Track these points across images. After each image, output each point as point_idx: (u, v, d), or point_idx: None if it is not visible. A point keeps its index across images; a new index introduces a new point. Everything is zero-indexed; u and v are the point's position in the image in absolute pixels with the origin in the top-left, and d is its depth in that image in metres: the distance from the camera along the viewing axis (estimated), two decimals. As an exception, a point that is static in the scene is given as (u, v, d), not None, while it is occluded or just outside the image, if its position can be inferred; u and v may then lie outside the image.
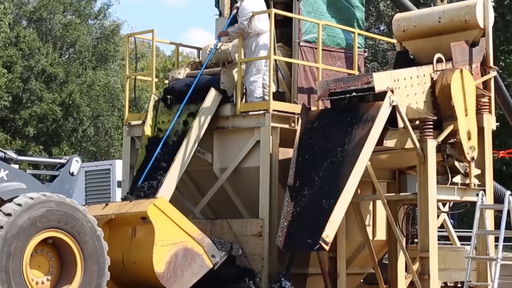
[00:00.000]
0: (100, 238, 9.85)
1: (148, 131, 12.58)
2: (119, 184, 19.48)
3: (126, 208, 10.97)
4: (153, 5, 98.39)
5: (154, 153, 12.17)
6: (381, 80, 11.16)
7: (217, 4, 13.79)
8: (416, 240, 12.62)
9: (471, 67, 12.40)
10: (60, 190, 10.12)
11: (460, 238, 14.82)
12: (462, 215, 24.46)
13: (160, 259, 10.65)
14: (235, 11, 12.54)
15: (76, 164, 10.45)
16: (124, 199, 11.93)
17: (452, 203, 13.27)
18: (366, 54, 14.87)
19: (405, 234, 12.92)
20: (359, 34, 13.48)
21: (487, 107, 12.45)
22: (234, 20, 12.63)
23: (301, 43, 12.99)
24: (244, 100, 12.64)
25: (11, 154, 10.20)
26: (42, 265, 9.60)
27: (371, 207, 12.95)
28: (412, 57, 12.88)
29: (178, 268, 10.79)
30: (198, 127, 12.10)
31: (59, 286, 9.64)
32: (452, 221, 16.03)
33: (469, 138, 11.92)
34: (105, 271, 9.87)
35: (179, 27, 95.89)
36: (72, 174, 10.43)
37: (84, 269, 9.67)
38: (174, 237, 10.80)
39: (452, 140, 11.93)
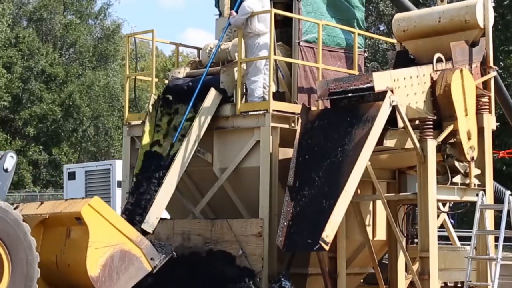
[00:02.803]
0: (26, 234, 9.45)
1: (148, 131, 12.58)
2: (119, 184, 19.48)
3: (61, 208, 10.62)
4: (149, 5, 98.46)
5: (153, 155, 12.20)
6: (381, 80, 11.16)
7: (217, 4, 13.78)
8: (416, 240, 12.62)
9: (471, 67, 12.39)
10: None
11: (460, 238, 14.82)
12: (462, 215, 24.51)
13: (94, 262, 10.26)
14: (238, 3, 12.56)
15: (10, 160, 10.12)
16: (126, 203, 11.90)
17: (452, 203, 13.27)
18: (366, 54, 14.88)
19: (405, 234, 12.91)
20: (359, 34, 13.48)
21: (487, 107, 12.45)
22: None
23: (301, 43, 12.99)
24: (244, 100, 12.64)
25: None
26: None
27: (371, 207, 12.94)
28: (412, 57, 12.88)
29: (114, 272, 10.40)
30: (198, 127, 12.10)
31: None
32: (452, 221, 16.02)
33: (469, 138, 11.92)
34: (34, 268, 9.47)
35: (175, 28, 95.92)
36: (6, 171, 10.11)
37: (12, 271, 9.31)
38: (110, 239, 10.42)
39: (452, 140, 11.93)
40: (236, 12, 12.53)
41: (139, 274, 10.65)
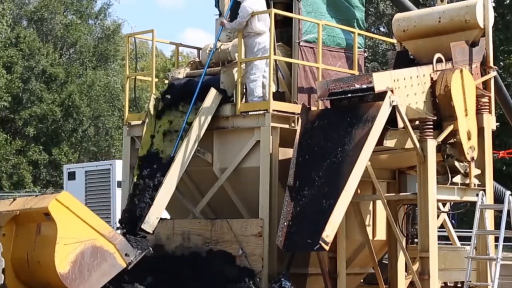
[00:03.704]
0: None
1: (148, 131, 12.58)
2: (119, 184, 19.47)
3: (31, 204, 10.41)
4: (148, 5, 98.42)
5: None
6: (381, 80, 11.16)
7: (217, 4, 13.78)
8: (416, 240, 12.62)
9: (471, 67, 12.39)
10: None
11: (460, 238, 14.82)
12: (462, 215, 24.48)
13: (63, 258, 10.01)
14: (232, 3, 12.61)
15: None
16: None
17: (452, 203, 13.27)
18: (366, 54, 14.88)
19: (405, 234, 12.91)
20: (359, 34, 13.49)
21: (487, 107, 12.45)
22: (234, 12, 12.65)
23: (301, 43, 12.99)
24: (244, 100, 12.64)
25: None
26: None
27: (371, 207, 12.94)
28: (412, 57, 12.88)
29: (85, 268, 10.17)
30: (198, 127, 12.10)
31: None
32: (452, 221, 16.02)
33: (469, 138, 11.92)
34: None
35: (174, 28, 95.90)
36: None
37: None
38: (81, 235, 10.15)
39: (452, 140, 11.93)
40: (235, 13, 12.55)
41: (113, 270, 10.43)
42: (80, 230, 10.21)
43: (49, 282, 10.25)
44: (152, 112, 12.72)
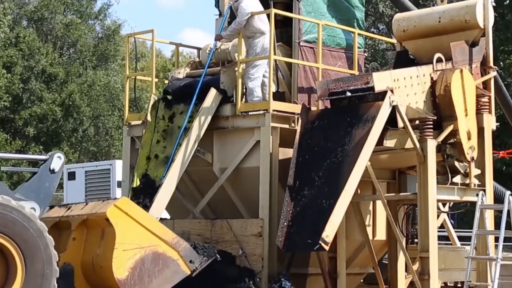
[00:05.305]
0: (48, 246, 9.12)
1: (147, 131, 12.58)
2: (119, 184, 19.48)
3: (96, 209, 10.39)
4: (148, 5, 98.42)
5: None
6: (381, 80, 11.16)
7: (217, 4, 13.78)
8: (416, 240, 12.62)
9: (471, 67, 12.40)
10: (37, 188, 9.68)
11: (460, 238, 14.82)
12: (462, 215, 24.47)
13: (121, 264, 9.94)
14: (228, 10, 12.62)
15: (57, 161, 9.90)
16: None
17: (452, 203, 13.27)
18: (366, 54, 14.88)
19: (405, 234, 12.91)
20: (359, 34, 13.49)
21: (487, 107, 12.45)
22: (231, 19, 12.68)
23: (301, 43, 13.00)
24: (244, 100, 12.64)
25: None
26: None
27: (371, 207, 12.94)
28: (412, 57, 12.88)
29: (146, 275, 10.05)
30: (198, 127, 12.10)
31: None
32: (452, 221, 16.02)
33: (469, 138, 11.92)
34: (51, 276, 9.10)
35: (173, 28, 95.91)
36: (52, 171, 9.86)
37: (25, 273, 8.97)
38: (141, 241, 10.10)
39: (452, 140, 11.93)
40: (232, 21, 12.58)
41: (176, 277, 10.29)
42: (140, 236, 10.13)
43: (111, 287, 10.16)
44: (152, 112, 12.72)
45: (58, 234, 10.73)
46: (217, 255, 10.90)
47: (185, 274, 10.39)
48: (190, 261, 10.41)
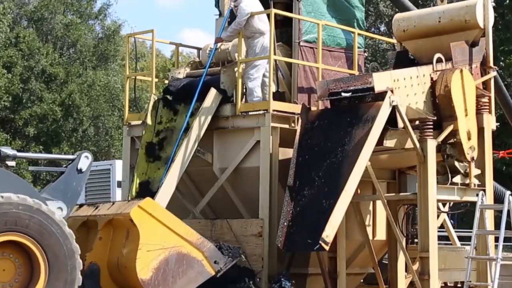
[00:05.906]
0: (70, 241, 9.12)
1: (147, 131, 12.58)
2: (119, 184, 19.48)
3: (122, 209, 10.46)
4: (147, 5, 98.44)
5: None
6: (381, 80, 11.16)
7: (217, 4, 13.79)
8: (416, 240, 12.62)
9: (471, 67, 12.39)
10: (65, 188, 9.71)
11: (460, 238, 14.82)
12: (462, 215, 24.48)
13: (145, 265, 10.01)
14: (228, 13, 12.62)
15: (85, 161, 9.89)
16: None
17: (452, 203, 13.27)
18: (366, 54, 14.88)
19: (405, 234, 12.91)
20: (359, 34, 13.49)
21: (487, 107, 12.45)
22: (231, 21, 12.69)
23: (301, 43, 13.00)
24: (244, 100, 12.64)
25: (7, 150, 9.60)
26: (6, 269, 9.01)
27: (371, 207, 12.94)
28: (412, 57, 12.88)
29: (170, 275, 10.11)
30: (198, 127, 12.10)
31: None
32: (452, 221, 16.03)
33: (469, 138, 11.92)
34: (75, 276, 9.11)
35: (172, 28, 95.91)
36: (80, 171, 9.86)
37: (49, 274, 8.97)
38: (165, 242, 10.16)
39: (452, 140, 11.93)
40: (232, 17, 12.59)
41: (200, 278, 10.32)
42: (164, 236, 10.17)
43: (135, 287, 10.19)
44: (152, 112, 12.72)
45: (87, 233, 10.85)
46: (242, 255, 10.92)
47: (210, 274, 10.43)
48: (215, 262, 10.45)
